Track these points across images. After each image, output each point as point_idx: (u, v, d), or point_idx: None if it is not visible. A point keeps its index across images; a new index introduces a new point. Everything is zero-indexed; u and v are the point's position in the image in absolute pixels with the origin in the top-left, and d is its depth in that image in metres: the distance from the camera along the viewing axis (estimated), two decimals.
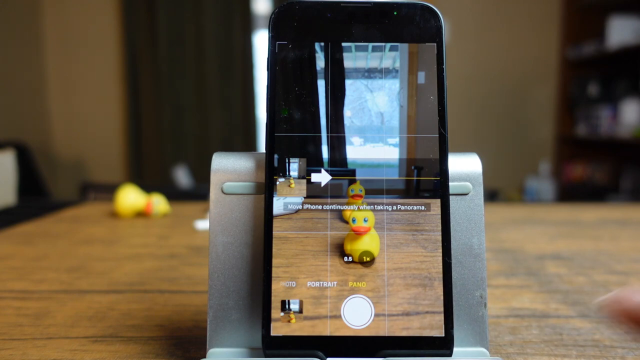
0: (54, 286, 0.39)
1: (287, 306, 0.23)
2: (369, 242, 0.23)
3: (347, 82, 0.24)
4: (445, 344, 0.23)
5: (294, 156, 0.24)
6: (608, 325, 0.31)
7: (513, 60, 2.80)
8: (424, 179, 0.24)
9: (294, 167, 0.24)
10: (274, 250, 0.23)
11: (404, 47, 0.25)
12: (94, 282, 0.40)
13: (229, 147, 2.73)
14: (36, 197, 1.68)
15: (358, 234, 0.23)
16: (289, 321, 0.23)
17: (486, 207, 0.61)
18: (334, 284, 0.23)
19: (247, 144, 2.78)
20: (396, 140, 0.24)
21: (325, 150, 0.24)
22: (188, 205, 0.78)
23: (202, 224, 0.61)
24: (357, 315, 0.23)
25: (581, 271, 0.44)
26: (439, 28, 0.24)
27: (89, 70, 2.73)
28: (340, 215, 0.24)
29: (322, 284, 0.23)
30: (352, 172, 0.24)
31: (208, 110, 2.75)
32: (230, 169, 0.25)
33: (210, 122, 2.76)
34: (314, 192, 0.24)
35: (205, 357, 0.24)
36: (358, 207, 0.24)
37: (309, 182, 0.24)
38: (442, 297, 0.23)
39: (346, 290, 0.23)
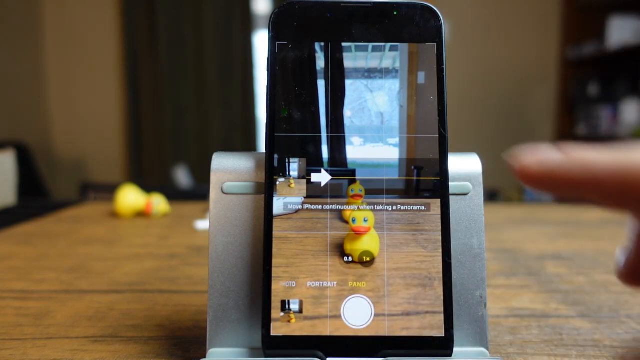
0: (54, 286, 0.39)
1: (287, 306, 0.23)
2: (369, 242, 0.23)
3: (347, 82, 0.24)
4: (445, 344, 0.23)
5: (294, 156, 0.24)
6: (608, 325, 0.31)
7: (513, 60, 2.80)
8: (424, 179, 0.24)
9: (294, 167, 0.24)
10: (274, 250, 0.23)
11: (404, 47, 0.24)
12: (94, 282, 0.40)
13: (229, 147, 2.73)
14: (36, 197, 1.68)
15: (358, 234, 0.23)
16: (289, 321, 0.23)
17: (486, 207, 0.61)
18: (333, 284, 0.23)
19: (247, 144, 2.78)
20: (396, 140, 0.24)
21: (325, 150, 0.24)
22: (188, 205, 0.78)
23: (202, 224, 0.61)
24: (357, 315, 0.23)
25: (581, 271, 0.44)
26: (439, 28, 0.24)
27: (89, 70, 2.73)
28: (340, 215, 0.24)
29: (322, 284, 0.23)
30: (352, 172, 0.24)
31: (208, 110, 2.75)
32: (230, 169, 0.25)
33: (210, 122, 2.76)
34: (314, 192, 0.24)
35: (205, 357, 0.24)
36: (358, 207, 0.24)
37: (309, 182, 0.24)
38: (442, 297, 0.23)
39: (346, 290, 0.23)
